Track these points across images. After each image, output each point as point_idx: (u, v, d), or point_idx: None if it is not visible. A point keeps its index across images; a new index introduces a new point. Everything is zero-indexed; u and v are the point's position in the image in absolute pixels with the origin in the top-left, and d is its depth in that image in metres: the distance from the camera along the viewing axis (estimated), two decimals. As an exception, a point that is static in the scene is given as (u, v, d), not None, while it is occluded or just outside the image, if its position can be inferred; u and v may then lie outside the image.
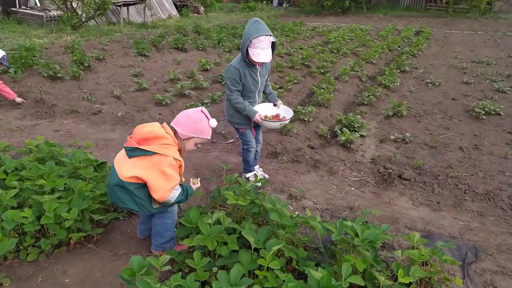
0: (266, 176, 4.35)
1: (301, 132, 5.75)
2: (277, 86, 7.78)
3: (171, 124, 2.83)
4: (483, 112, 6.51)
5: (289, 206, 3.81)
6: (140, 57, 10.11)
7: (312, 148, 5.44)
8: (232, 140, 5.39)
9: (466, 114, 6.71)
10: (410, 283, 2.65)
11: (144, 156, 2.62)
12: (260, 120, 3.74)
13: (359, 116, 6.02)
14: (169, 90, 7.33)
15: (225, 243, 2.73)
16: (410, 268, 2.62)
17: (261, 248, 2.57)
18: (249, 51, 3.45)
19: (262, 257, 2.49)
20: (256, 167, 4.39)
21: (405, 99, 7.46)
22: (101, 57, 9.51)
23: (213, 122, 2.90)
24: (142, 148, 2.61)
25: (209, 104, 6.75)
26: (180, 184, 2.80)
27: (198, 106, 6.30)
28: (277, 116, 4.02)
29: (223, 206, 3.45)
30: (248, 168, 4.25)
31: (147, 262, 2.30)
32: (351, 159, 4.96)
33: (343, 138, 5.21)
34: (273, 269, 2.49)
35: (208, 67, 9.19)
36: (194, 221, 2.82)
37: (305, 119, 6.03)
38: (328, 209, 3.81)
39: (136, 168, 2.62)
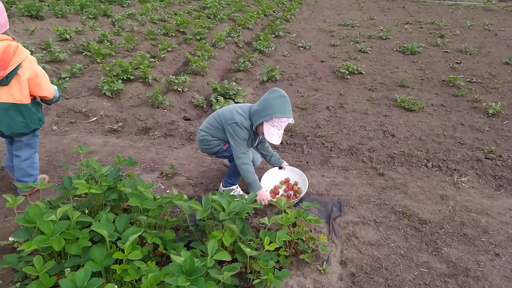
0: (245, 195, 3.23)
1: (175, 103, 5.45)
2: (149, 56, 7.25)
3: None
4: (347, 72, 6.95)
5: (160, 185, 3.57)
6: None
7: (188, 119, 5.21)
8: (95, 119, 4.86)
9: (333, 75, 7.10)
10: (280, 247, 2.69)
11: (18, 72, 2.85)
12: (266, 201, 3.27)
13: (234, 83, 5.93)
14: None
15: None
16: (278, 232, 2.63)
17: (117, 240, 2.30)
18: (264, 126, 3.03)
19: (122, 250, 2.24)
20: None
21: (279, 64, 7.60)
22: None
23: None
24: (11, 69, 2.80)
25: (67, 78, 5.98)
26: None
27: (62, 83, 5.54)
28: (287, 181, 3.66)
29: (80, 197, 3.06)
30: (232, 181, 3.52)
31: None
32: (226, 127, 4.86)
33: (217, 107, 5.07)
34: (134, 260, 2.26)
35: (68, 36, 8.15)
36: (34, 220, 2.40)
37: (179, 89, 5.73)
38: (202, 183, 3.66)
39: (25, 85, 2.89)
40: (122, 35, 8.56)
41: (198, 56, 7.12)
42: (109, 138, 4.44)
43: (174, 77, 5.91)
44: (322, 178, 3.89)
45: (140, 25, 9.83)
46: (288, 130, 4.81)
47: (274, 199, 3.34)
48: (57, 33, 8.15)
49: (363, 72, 7.12)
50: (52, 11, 10.43)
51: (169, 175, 3.68)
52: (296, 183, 3.60)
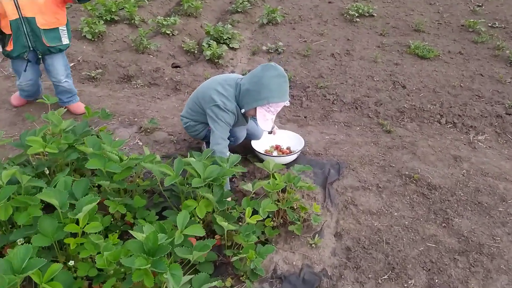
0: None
1: (163, 48, 4.93)
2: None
3: None
4: (356, 15, 6.28)
5: (138, 141, 3.19)
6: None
7: (177, 67, 4.72)
8: (72, 64, 4.38)
9: (341, 17, 6.42)
10: (267, 217, 2.34)
11: None
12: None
13: (230, 26, 5.34)
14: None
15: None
16: (263, 201, 2.28)
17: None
18: (257, 111, 2.50)
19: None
20: None
21: (281, 4, 6.90)
22: None
23: None
24: None
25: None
26: None
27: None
28: (278, 148, 3.18)
29: (39, 155, 2.68)
30: None
31: None
32: (218, 76, 4.38)
33: (208, 53, 4.55)
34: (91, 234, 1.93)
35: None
36: (-27, 185, 2.05)
37: (168, 32, 5.17)
38: (185, 139, 3.27)
39: None
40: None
41: (192, -6, 6.43)
42: (86, 86, 4.00)
43: (162, 18, 5.32)
44: (321, 136, 3.47)
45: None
46: (286, 80, 4.33)
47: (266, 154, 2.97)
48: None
49: (375, 15, 6.43)
50: None
51: (149, 130, 3.29)
52: (289, 148, 3.18)
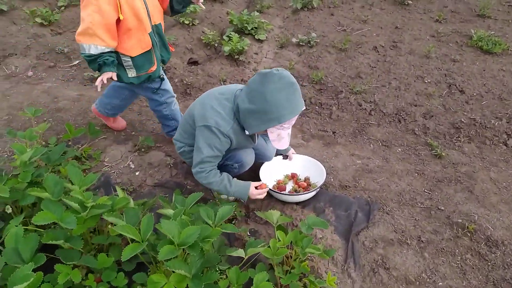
0: None
1: (180, 41, 4.39)
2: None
3: None
4: (409, -4, 5.36)
5: (130, 163, 2.72)
6: None
7: (195, 63, 4.18)
8: (77, 62, 3.97)
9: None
10: None
11: None
12: (262, 192, 2.25)
13: (257, 14, 4.68)
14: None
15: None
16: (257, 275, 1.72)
17: None
18: (269, 133, 1.97)
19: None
20: None
21: (321, -15, 6.07)
22: None
23: None
24: None
25: (63, 8, 5.04)
26: None
27: (52, 13, 4.64)
28: (294, 177, 2.58)
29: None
30: None
31: None
32: (237, 76, 3.79)
33: (227, 48, 3.95)
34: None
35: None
36: None
37: (187, 22, 4.62)
38: (185, 162, 2.74)
39: None
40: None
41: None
42: (87, 89, 3.58)
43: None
44: (351, 160, 2.82)
45: None
46: (316, 82, 3.66)
47: (278, 192, 2.39)
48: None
49: (431, -5, 5.47)
50: None
51: (144, 149, 2.80)
52: (307, 179, 2.57)
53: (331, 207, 2.38)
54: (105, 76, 2.25)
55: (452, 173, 2.66)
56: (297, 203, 2.38)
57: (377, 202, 2.42)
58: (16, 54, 4.04)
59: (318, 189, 2.37)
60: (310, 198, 2.41)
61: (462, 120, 3.15)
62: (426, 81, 3.70)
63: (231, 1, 5.50)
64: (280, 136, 1.99)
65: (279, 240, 1.83)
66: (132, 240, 1.66)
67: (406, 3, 5.32)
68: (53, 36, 4.40)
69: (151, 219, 1.73)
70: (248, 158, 2.30)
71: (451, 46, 4.31)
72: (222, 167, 2.30)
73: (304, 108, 1.98)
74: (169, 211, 1.86)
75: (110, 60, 2.24)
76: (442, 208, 2.38)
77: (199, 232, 1.68)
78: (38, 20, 4.57)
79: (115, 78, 2.31)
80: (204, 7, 2.71)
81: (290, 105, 1.87)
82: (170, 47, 2.63)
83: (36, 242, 1.70)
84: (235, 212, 2.32)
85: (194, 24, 4.70)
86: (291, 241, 1.86)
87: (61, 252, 1.80)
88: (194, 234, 1.67)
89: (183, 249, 1.65)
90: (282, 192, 2.37)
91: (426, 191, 2.52)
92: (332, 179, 2.62)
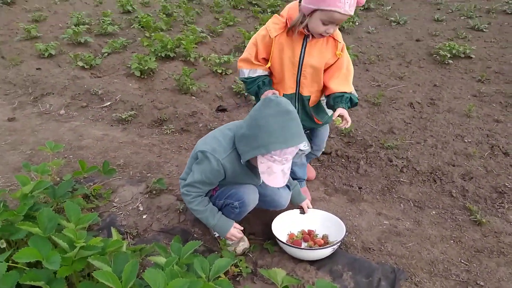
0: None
1: (211, 89, 4.43)
2: (207, 31, 6.29)
3: None
4: (449, 55, 5.19)
5: (139, 205, 2.59)
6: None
7: (223, 110, 4.15)
8: (108, 104, 4.05)
9: (429, 58, 5.39)
10: None
11: None
12: (237, 233, 2.14)
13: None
14: (61, 38, 5.80)
15: None
16: None
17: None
18: (258, 163, 1.85)
19: None
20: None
21: (358, 42, 6.09)
22: (10, 1, 7.85)
23: None
24: None
25: (106, 54, 5.30)
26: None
27: (94, 58, 4.89)
28: (311, 234, 2.32)
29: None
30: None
31: None
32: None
33: (254, 98, 3.90)
34: None
35: (130, 8, 7.57)
36: None
37: (220, 71, 4.68)
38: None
39: None
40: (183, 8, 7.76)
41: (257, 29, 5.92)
42: (113, 130, 3.59)
43: (216, 56, 4.86)
44: (378, 219, 2.54)
45: (210, -2, 8.94)
46: (344, 135, 3.47)
47: (293, 246, 2.14)
48: (119, 4, 7.63)
49: (473, 56, 5.27)
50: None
51: (155, 192, 2.68)
52: (326, 237, 2.32)
53: (350, 272, 2.10)
54: (268, 93, 2.33)
55: (494, 243, 2.32)
56: (311, 263, 2.12)
57: (405, 270, 2.11)
58: (53, 93, 4.20)
59: (336, 246, 2.11)
60: (327, 258, 2.14)
61: (506, 184, 2.82)
62: (466, 141, 3.42)
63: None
64: (271, 169, 1.83)
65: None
66: (113, 290, 1.47)
67: (447, 62, 5.15)
68: (91, 79, 4.57)
69: (136, 266, 1.55)
70: (250, 197, 2.09)
71: (494, 106, 4.03)
72: (223, 208, 2.14)
73: (305, 145, 1.83)
74: (161, 259, 1.68)
75: (267, 80, 2.39)
76: (482, 283, 2.03)
77: (187, 286, 1.48)
78: (80, 63, 4.80)
79: (276, 92, 2.37)
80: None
81: (282, 134, 1.76)
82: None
83: (14, 281, 1.57)
84: (241, 268, 2.10)
85: (227, 74, 4.76)
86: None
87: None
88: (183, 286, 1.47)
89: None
90: (293, 246, 2.13)
91: (463, 261, 2.19)
92: (354, 239, 2.34)
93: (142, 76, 4.64)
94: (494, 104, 4.08)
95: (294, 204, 2.41)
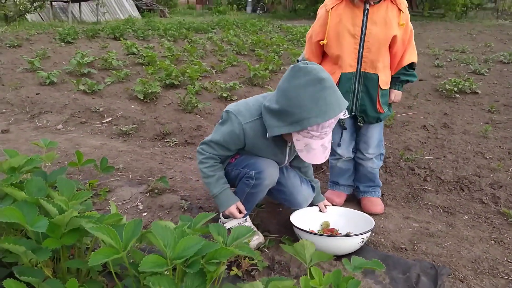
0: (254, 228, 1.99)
1: (217, 111, 4.29)
2: (209, 68, 6.32)
3: None
4: (455, 90, 5.17)
5: (138, 204, 2.32)
6: (61, 43, 8.56)
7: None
8: (109, 119, 3.88)
9: (434, 93, 5.36)
10: None
11: None
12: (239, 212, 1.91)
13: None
14: (64, 69, 5.77)
15: None
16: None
17: None
18: (294, 140, 1.67)
19: None
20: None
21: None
22: (16, 45, 8.00)
23: None
24: None
25: (109, 83, 5.22)
26: None
27: (96, 84, 4.80)
28: (333, 232, 2.04)
29: None
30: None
31: None
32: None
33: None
34: None
35: (135, 50, 7.69)
36: None
37: (225, 95, 4.58)
38: (201, 207, 2.32)
39: None
40: (188, 49, 7.92)
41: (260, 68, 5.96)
42: (112, 141, 3.39)
43: (222, 82, 4.80)
44: (406, 222, 2.26)
45: (214, 45, 9.18)
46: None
47: (315, 233, 1.85)
48: (125, 46, 7.78)
49: (479, 92, 5.26)
50: (134, 34, 10.42)
51: (157, 191, 2.41)
52: (348, 234, 2.03)
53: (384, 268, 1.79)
54: None
55: (543, 244, 2.04)
56: (336, 258, 1.82)
57: (446, 266, 1.81)
58: (51, 112, 4.04)
59: (366, 236, 1.83)
60: (354, 254, 1.85)
61: (542, 192, 2.58)
62: (487, 157, 3.22)
63: (267, 86, 5.55)
64: (309, 146, 1.61)
65: (314, 278, 1.29)
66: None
67: (453, 96, 5.11)
68: (93, 99, 4.44)
69: (139, 225, 1.28)
70: (270, 170, 1.83)
71: (510, 131, 3.89)
72: (238, 182, 1.87)
73: (346, 114, 1.61)
74: (170, 223, 1.40)
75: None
76: (539, 283, 1.73)
77: (201, 245, 1.20)
78: (82, 87, 4.70)
79: None
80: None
81: (317, 106, 1.54)
82: None
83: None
84: (256, 262, 1.79)
85: (232, 99, 4.66)
86: (330, 285, 1.31)
87: (20, 267, 1.35)
88: (194, 247, 1.19)
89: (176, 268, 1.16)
90: (318, 234, 1.85)
91: (509, 260, 1.89)
92: (382, 239, 2.06)
93: (145, 100, 4.52)
94: (509, 129, 3.95)
95: (315, 201, 2.16)
